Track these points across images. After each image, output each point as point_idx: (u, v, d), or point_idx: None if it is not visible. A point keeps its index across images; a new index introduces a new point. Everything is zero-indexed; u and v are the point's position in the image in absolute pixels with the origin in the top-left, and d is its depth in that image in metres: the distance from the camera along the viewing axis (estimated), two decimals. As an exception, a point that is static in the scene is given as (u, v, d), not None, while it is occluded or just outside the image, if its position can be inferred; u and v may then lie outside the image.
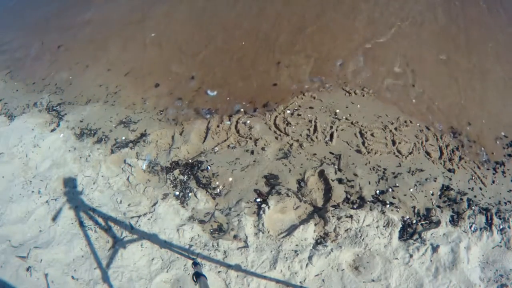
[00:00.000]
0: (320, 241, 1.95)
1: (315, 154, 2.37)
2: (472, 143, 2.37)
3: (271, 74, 3.03)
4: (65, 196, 2.38)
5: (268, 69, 3.08)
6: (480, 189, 2.12)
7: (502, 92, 2.71)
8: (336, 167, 2.27)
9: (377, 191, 2.13)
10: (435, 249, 1.85)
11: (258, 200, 2.16)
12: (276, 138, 2.50)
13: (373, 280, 1.80)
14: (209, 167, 2.38)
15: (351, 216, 1.99)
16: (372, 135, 2.44)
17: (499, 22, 3.35)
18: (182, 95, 2.99)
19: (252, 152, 2.43)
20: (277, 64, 3.10)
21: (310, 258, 1.86)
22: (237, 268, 1.88)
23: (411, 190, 2.11)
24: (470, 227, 1.94)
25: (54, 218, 2.27)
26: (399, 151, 2.34)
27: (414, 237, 1.92)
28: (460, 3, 3.49)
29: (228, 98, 2.88)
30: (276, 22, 3.52)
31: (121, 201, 2.28)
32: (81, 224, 2.21)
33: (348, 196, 2.13)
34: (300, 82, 2.91)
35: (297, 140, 2.45)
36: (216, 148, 2.49)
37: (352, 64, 2.99)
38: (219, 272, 1.88)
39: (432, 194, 2.10)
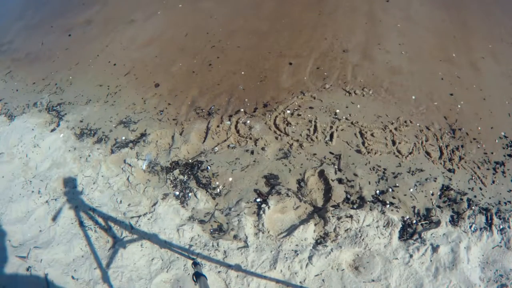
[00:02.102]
0: (320, 241, 1.95)
1: (315, 154, 2.37)
2: (473, 143, 2.37)
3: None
4: (65, 196, 2.38)
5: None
6: (480, 189, 2.12)
7: (502, 91, 2.71)
8: (336, 167, 2.27)
9: (377, 191, 2.13)
10: (435, 249, 1.85)
11: (258, 200, 2.16)
12: (276, 138, 2.50)
13: (373, 280, 1.80)
14: (209, 167, 2.38)
15: (351, 216, 1.99)
16: (372, 135, 2.44)
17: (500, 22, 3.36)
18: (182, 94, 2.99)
19: (252, 152, 2.43)
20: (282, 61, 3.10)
21: (310, 258, 1.86)
22: (237, 268, 1.88)
23: (411, 190, 2.11)
24: (470, 227, 1.94)
25: (54, 218, 2.27)
26: (399, 151, 2.34)
27: (414, 237, 1.92)
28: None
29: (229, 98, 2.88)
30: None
31: (121, 201, 2.28)
32: (81, 224, 2.21)
33: (348, 196, 2.13)
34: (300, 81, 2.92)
35: (297, 140, 2.45)
36: (216, 148, 2.49)
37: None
38: (219, 272, 1.88)
39: (432, 194, 2.10)
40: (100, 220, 2.21)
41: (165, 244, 2.02)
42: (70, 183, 2.46)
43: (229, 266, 1.89)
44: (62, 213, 2.27)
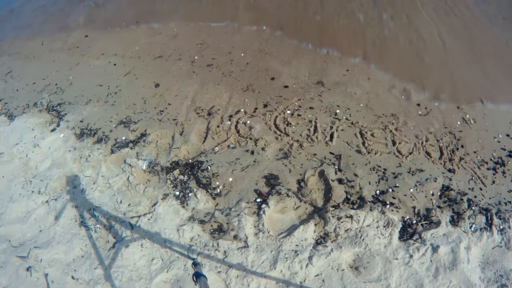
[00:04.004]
0: (320, 241, 1.95)
1: (315, 154, 2.37)
2: (473, 143, 2.37)
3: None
4: (65, 196, 2.38)
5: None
6: (480, 189, 2.12)
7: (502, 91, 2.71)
8: (336, 167, 2.27)
9: (377, 191, 2.13)
10: (435, 249, 1.85)
11: (258, 200, 2.16)
12: (276, 138, 2.50)
13: (373, 280, 1.80)
14: (209, 167, 2.38)
15: (351, 216, 1.99)
16: (372, 135, 2.44)
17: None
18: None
19: (252, 152, 2.43)
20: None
21: (310, 258, 1.87)
22: (237, 268, 1.88)
23: (411, 190, 2.11)
24: (470, 227, 1.94)
25: (54, 218, 2.27)
26: (399, 151, 2.34)
27: (414, 237, 1.92)
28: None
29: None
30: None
31: (121, 201, 2.28)
32: (81, 224, 2.21)
33: (348, 196, 2.13)
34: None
35: (297, 140, 2.45)
36: (216, 148, 2.49)
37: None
38: (219, 272, 1.88)
39: (432, 194, 2.10)
40: (100, 220, 2.21)
41: (165, 244, 2.02)
42: (70, 183, 2.46)
43: (229, 266, 1.89)
44: (62, 213, 2.27)
